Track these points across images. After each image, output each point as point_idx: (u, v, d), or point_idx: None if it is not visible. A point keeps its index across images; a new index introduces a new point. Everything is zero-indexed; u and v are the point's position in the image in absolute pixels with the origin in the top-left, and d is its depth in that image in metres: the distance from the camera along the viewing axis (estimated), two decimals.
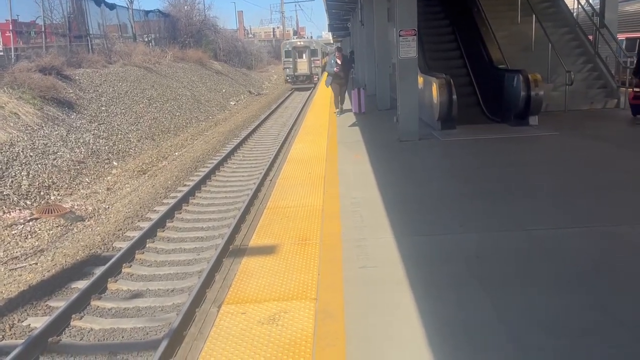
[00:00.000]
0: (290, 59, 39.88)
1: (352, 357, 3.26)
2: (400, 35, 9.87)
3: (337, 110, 15.80)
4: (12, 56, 18.66)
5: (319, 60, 40.46)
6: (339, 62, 15.04)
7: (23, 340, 6.14)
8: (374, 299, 3.98)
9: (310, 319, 3.71)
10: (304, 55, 40.32)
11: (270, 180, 8.03)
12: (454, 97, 10.62)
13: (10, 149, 12.41)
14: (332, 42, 71.93)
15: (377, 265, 4.58)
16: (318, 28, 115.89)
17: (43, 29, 21.52)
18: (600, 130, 10.09)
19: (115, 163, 15.44)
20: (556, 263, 4.42)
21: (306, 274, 4.45)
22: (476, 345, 3.33)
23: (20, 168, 12.10)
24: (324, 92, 18.53)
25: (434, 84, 10.85)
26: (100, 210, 11.48)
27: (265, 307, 3.92)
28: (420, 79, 12.17)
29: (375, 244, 5.08)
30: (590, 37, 14.32)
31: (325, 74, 17.14)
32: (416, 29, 9.91)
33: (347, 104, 16.42)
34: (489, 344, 3.34)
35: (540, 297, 3.87)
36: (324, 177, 7.76)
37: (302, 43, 41.78)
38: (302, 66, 40.32)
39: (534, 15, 13.68)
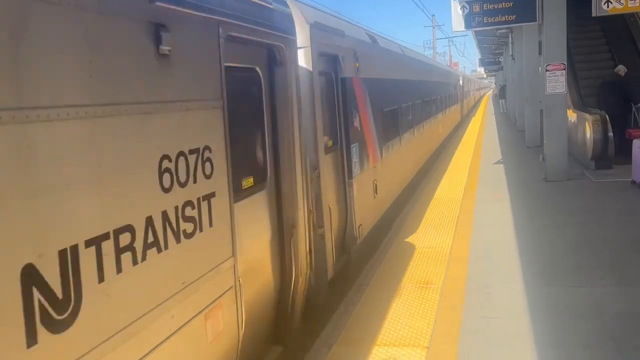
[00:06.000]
0: None
1: None
2: (547, 70, 9.32)
3: None
4: None
5: None
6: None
7: None
8: (491, 355, 3.71)
9: None
10: None
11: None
12: (610, 134, 9.72)
13: None
14: (484, 76, 70.32)
15: (501, 315, 4.29)
16: (472, 63, 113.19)
17: None
18: None
19: None
20: None
21: (422, 319, 4.30)
22: None
23: None
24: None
25: (587, 120, 10.04)
26: None
27: (376, 351, 3.85)
28: (573, 115, 11.35)
29: (502, 292, 4.76)
30: None
31: None
32: (565, 63, 9.29)
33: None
34: None
35: None
36: (457, 216, 7.49)
37: None
38: None
39: None
